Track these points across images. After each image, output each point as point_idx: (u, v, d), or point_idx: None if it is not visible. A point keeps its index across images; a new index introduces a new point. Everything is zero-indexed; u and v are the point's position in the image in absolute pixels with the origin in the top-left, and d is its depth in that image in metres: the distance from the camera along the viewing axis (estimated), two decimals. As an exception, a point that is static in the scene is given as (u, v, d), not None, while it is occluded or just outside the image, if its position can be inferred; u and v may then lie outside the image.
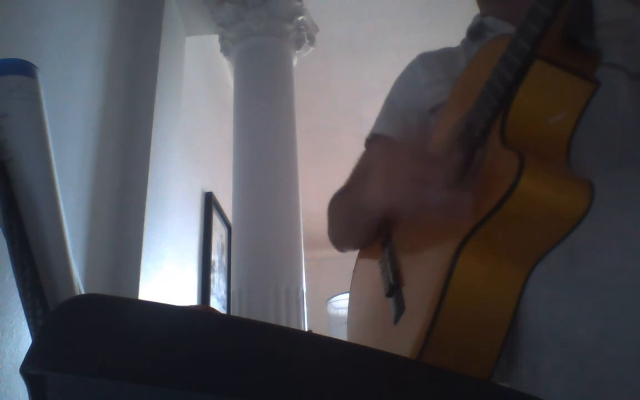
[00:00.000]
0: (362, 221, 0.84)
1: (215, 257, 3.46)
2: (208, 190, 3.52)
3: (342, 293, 4.36)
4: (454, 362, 0.57)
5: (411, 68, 0.94)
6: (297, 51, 3.40)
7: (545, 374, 0.63)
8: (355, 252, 0.94)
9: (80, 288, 0.48)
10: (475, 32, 0.86)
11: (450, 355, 0.57)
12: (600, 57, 0.58)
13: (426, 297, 0.60)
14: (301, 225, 2.93)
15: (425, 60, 0.93)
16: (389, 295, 0.72)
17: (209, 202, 3.49)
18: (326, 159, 4.61)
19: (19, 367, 0.32)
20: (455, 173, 0.63)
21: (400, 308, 0.68)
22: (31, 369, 0.32)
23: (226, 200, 3.42)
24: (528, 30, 0.55)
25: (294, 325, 2.60)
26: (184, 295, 2.99)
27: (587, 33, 0.57)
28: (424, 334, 0.56)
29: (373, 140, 0.92)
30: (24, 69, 0.51)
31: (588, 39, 0.57)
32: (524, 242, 0.56)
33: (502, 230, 0.55)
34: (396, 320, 0.68)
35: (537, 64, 0.56)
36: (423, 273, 0.66)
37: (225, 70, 3.98)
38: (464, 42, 0.90)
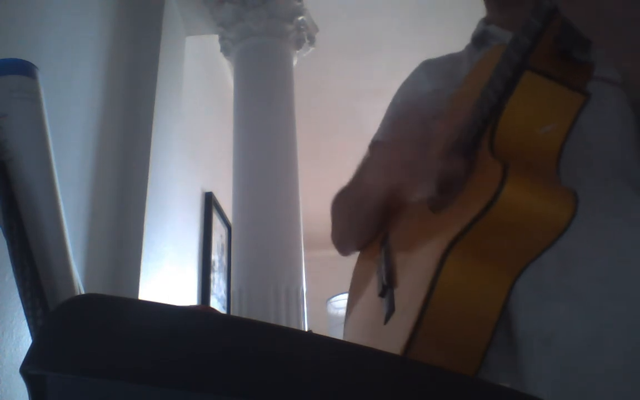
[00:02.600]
0: (362, 213, 0.84)
1: (215, 257, 3.46)
2: (208, 190, 3.52)
3: (342, 293, 4.36)
4: (438, 363, 0.57)
5: (415, 75, 0.95)
6: (297, 51, 3.40)
7: (533, 378, 0.63)
8: (357, 254, 0.94)
9: (80, 288, 0.48)
10: (480, 40, 0.87)
11: (434, 357, 0.58)
12: (593, 70, 0.58)
13: (413, 299, 0.60)
14: (301, 225, 2.93)
15: (429, 67, 0.93)
16: (381, 295, 0.73)
17: (209, 202, 3.49)
18: (326, 159, 4.61)
19: (19, 367, 0.32)
20: (448, 175, 0.64)
21: (390, 308, 0.69)
22: (31, 369, 0.32)
23: (226, 200, 3.42)
24: (519, 42, 0.56)
25: (294, 325, 2.60)
26: (184, 295, 2.99)
27: (579, 46, 0.57)
28: (409, 335, 0.57)
29: (375, 147, 0.93)
30: (24, 69, 0.51)
31: (580, 52, 0.57)
32: (509, 249, 0.57)
33: (486, 237, 0.56)
34: (386, 320, 0.69)
35: (527, 75, 0.56)
36: (413, 275, 0.67)
37: (225, 71, 3.98)
38: (468, 49, 0.90)
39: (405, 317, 0.62)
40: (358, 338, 0.81)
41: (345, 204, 0.91)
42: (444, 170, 0.62)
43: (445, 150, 0.63)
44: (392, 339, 0.64)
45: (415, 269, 0.66)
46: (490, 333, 0.57)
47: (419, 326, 0.57)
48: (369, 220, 0.84)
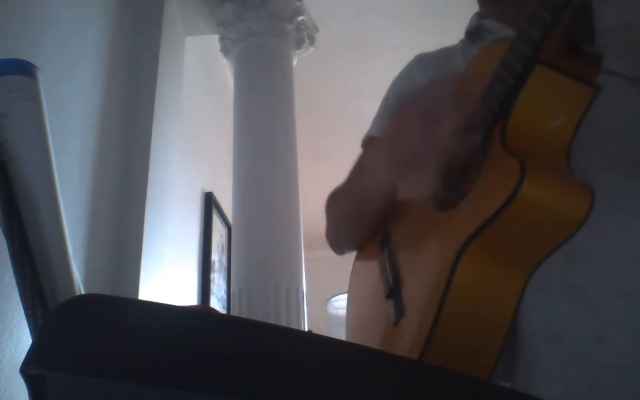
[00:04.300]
0: (362, 215, 0.83)
1: (215, 257, 3.46)
2: (208, 190, 3.52)
3: (342, 293, 4.36)
4: (452, 365, 0.57)
5: (408, 69, 0.94)
6: (297, 51, 3.40)
7: (539, 377, 0.63)
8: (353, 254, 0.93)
9: (80, 288, 0.48)
10: (474, 34, 0.86)
11: (449, 358, 0.57)
12: (600, 62, 0.58)
13: (426, 300, 0.60)
14: (301, 225, 2.93)
15: (423, 61, 0.92)
16: (388, 296, 0.72)
17: (209, 202, 3.49)
18: (326, 159, 4.60)
19: (19, 367, 0.32)
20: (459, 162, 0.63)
21: (400, 310, 0.68)
22: (31, 369, 0.32)
23: (226, 200, 3.42)
24: (529, 35, 0.55)
25: (294, 325, 2.60)
26: (184, 295, 2.98)
27: (587, 38, 0.57)
28: (424, 337, 0.57)
29: (369, 142, 0.92)
30: (24, 69, 0.51)
31: (589, 44, 0.57)
32: (524, 247, 0.56)
33: (502, 235, 0.55)
34: (396, 322, 0.68)
35: (538, 69, 0.56)
36: (423, 276, 0.66)
37: (225, 70, 3.98)
38: (462, 43, 0.89)
39: (418, 318, 0.62)
40: (365, 339, 0.81)
41: (342, 204, 0.90)
42: (456, 151, 0.60)
43: (455, 131, 0.60)
44: (404, 341, 0.64)
45: (426, 270, 0.65)
46: (504, 333, 0.56)
47: (434, 325, 0.56)
48: (367, 222, 0.84)
